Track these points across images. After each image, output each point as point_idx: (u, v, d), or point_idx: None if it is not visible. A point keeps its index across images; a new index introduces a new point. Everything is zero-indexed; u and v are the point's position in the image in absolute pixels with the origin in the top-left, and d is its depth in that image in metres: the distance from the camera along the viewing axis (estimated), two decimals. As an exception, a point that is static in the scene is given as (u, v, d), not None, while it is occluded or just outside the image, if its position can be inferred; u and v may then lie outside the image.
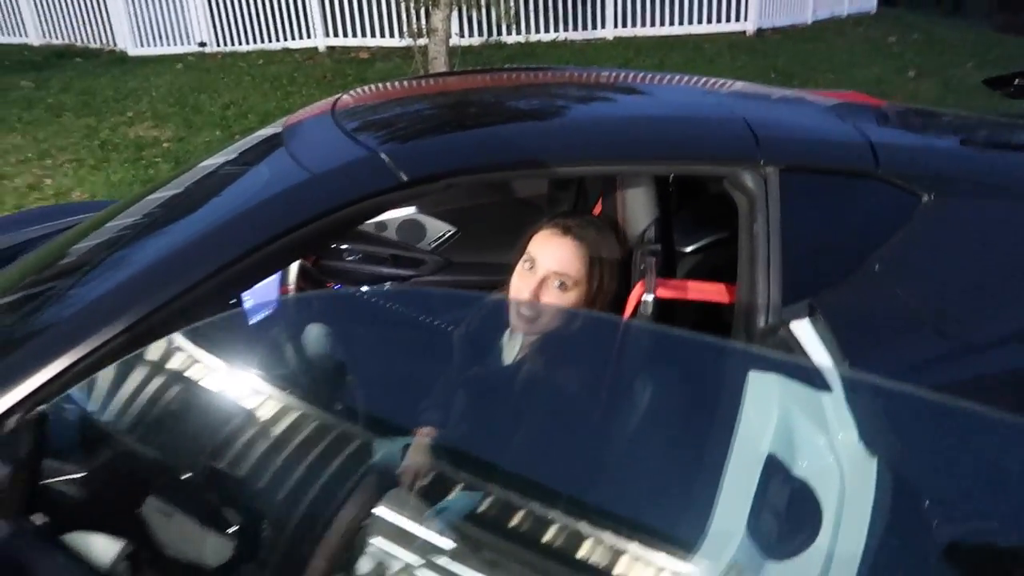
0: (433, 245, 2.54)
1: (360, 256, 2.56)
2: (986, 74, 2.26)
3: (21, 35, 9.77)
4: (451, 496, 1.36)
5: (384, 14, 8.86)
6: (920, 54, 8.50)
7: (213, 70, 8.10)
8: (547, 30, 9.07)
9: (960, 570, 1.14)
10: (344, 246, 2.54)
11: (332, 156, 1.25)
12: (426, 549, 1.15)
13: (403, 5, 8.23)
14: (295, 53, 8.85)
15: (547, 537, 1.20)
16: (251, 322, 1.56)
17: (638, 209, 1.47)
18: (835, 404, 1.18)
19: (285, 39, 9.08)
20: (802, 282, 1.23)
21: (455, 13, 8.50)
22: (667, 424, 1.36)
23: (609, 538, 1.47)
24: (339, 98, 1.62)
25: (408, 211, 2.51)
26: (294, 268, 2.19)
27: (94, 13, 9.35)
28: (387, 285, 2.53)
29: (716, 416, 1.31)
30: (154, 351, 1.07)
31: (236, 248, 1.13)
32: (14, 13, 9.67)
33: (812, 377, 1.19)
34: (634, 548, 1.45)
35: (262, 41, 9.10)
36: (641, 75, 2.05)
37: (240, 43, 9.11)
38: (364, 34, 8.98)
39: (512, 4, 8.63)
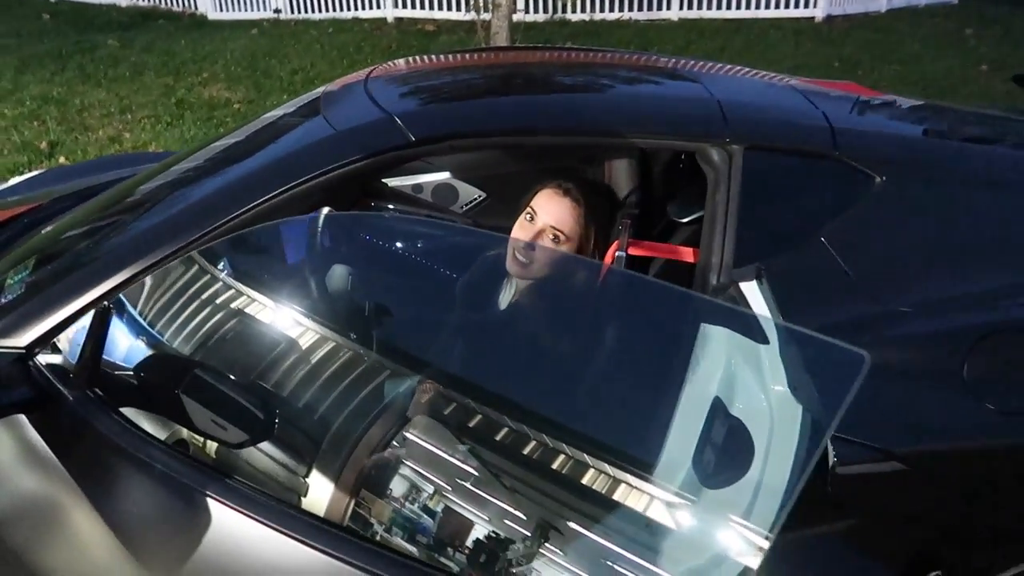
0: (464, 209, 2.75)
1: (398, 216, 2.78)
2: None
3: (111, -4, 10.30)
4: None
5: (455, -14, 9.04)
6: (996, 48, 8.25)
7: (285, 36, 8.43)
8: (611, 9, 9.11)
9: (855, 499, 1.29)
10: (385, 205, 2.77)
11: (355, 117, 1.47)
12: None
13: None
14: (365, 23, 9.12)
15: (529, 459, 1.39)
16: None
17: (621, 178, 1.64)
18: (770, 355, 1.35)
19: (356, 8, 9.35)
20: (755, 248, 1.39)
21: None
22: (632, 363, 1.53)
23: (580, 458, 1.67)
24: (374, 69, 1.84)
25: (443, 175, 2.72)
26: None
27: (178, -23, 9.80)
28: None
29: (673, 360, 1.48)
30: (194, 269, 1.31)
31: (270, 189, 1.36)
32: (105, -25, 10.19)
33: (753, 330, 1.36)
34: (601, 467, 1.64)
35: (334, 10, 9.40)
36: (639, 57, 2.20)
37: (313, 11, 9.42)
38: (432, 6, 9.18)
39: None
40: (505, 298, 1.69)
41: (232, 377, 1.12)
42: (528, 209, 1.61)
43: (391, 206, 2.75)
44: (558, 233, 1.58)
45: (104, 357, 1.24)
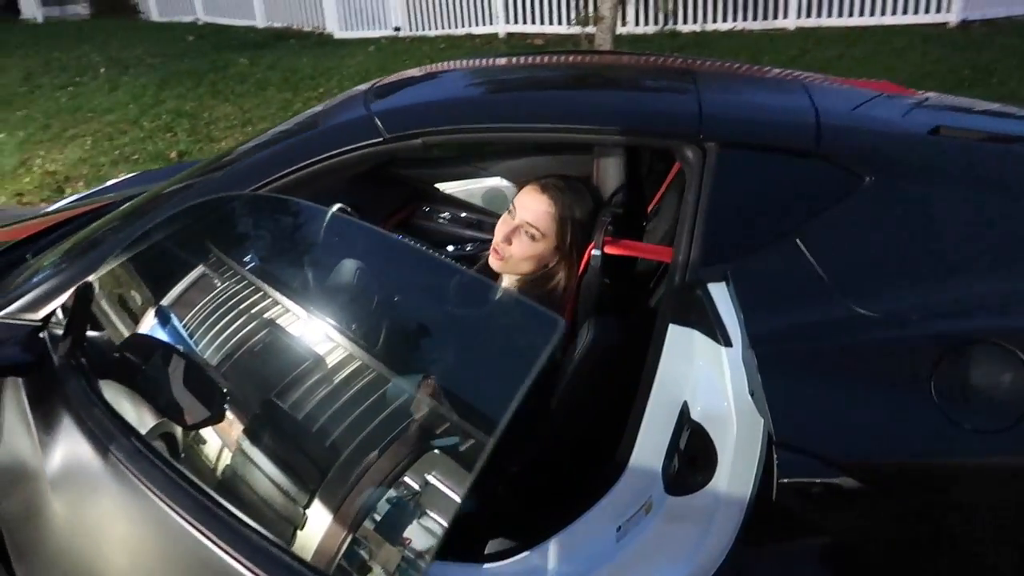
0: None
1: (449, 218, 2.86)
2: None
3: (251, 18, 11.12)
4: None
5: (563, 1, 9.13)
6: None
7: (399, 53, 8.81)
8: (724, 19, 8.91)
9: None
10: (437, 208, 2.86)
11: (345, 116, 1.55)
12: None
13: (577, -8, 8.46)
14: (476, 38, 9.38)
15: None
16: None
17: (609, 176, 1.63)
18: (733, 359, 1.30)
19: (469, 25, 9.64)
20: (724, 248, 1.35)
21: (631, 1, 8.64)
22: (602, 365, 1.52)
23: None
24: (383, 78, 1.94)
25: (494, 180, 2.77)
26: None
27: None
28: (469, 246, 2.81)
29: (642, 361, 1.46)
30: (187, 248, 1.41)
31: (271, 172, 1.48)
32: (246, -1, 11.03)
33: (718, 333, 1.32)
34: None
35: (449, 26, 9.72)
36: (630, 57, 2.17)
37: (429, 28, 9.79)
38: (542, 21, 9.32)
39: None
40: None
41: (193, 359, 1.15)
42: (512, 204, 1.64)
43: (442, 209, 2.85)
44: (533, 230, 1.59)
45: (101, 334, 1.36)
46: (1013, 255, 1.27)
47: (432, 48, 8.95)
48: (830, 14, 8.73)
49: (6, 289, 1.66)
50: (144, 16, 11.90)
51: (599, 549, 1.48)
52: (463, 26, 9.67)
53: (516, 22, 9.45)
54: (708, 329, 1.34)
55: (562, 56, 2.22)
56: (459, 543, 1.63)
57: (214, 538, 0.80)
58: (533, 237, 1.60)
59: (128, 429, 1.04)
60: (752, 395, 1.27)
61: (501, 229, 1.64)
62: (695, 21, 8.92)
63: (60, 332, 1.40)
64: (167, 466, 0.92)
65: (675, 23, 8.96)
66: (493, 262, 1.65)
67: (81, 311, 1.29)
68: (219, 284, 1.25)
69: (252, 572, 0.81)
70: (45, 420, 1.21)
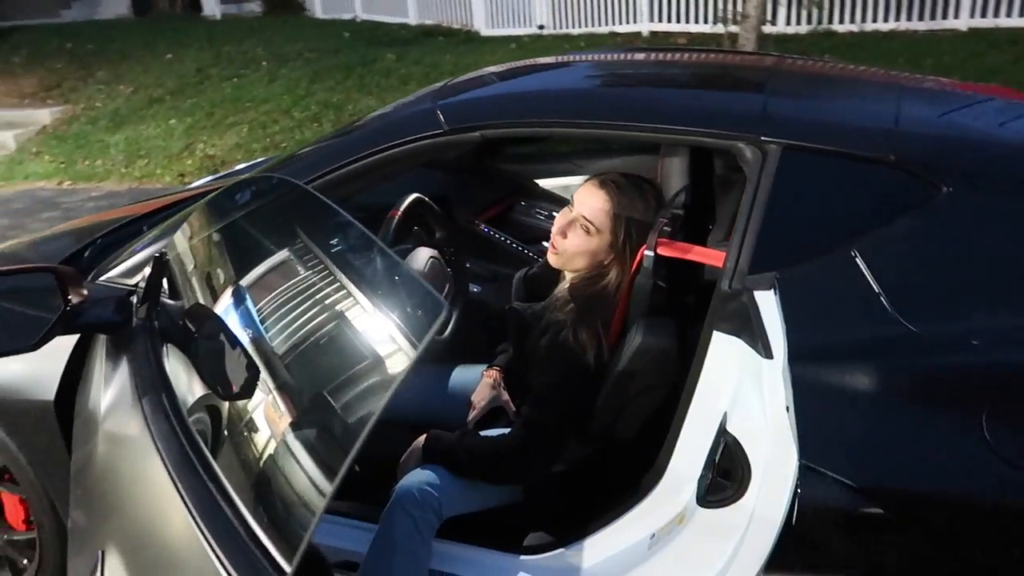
0: None
1: (546, 214, 2.88)
2: None
3: (404, 16, 11.58)
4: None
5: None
6: None
7: (538, 51, 8.88)
8: (886, 19, 8.32)
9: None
10: (535, 203, 2.89)
11: (413, 108, 1.61)
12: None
13: (723, -11, 8.18)
14: (619, 36, 9.30)
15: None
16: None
17: (672, 175, 1.59)
18: (773, 372, 1.24)
19: (613, 23, 9.56)
20: (775, 255, 1.28)
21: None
22: (650, 369, 1.48)
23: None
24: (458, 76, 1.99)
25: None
26: None
27: (460, -3, 10.76)
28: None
29: (681, 370, 1.41)
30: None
31: (342, 158, 1.57)
32: (401, -4, 11.49)
33: (760, 343, 1.26)
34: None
35: (593, 25, 9.69)
36: (712, 54, 2.08)
37: (573, 26, 9.81)
38: (687, 20, 9.10)
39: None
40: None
41: (233, 334, 1.14)
42: (572, 198, 1.63)
43: (541, 205, 2.87)
44: (588, 224, 1.57)
45: (177, 301, 1.48)
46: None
47: (572, 46, 8.96)
48: (1009, 13, 7.95)
49: (119, 256, 1.84)
50: (309, 13, 12.67)
51: (632, 555, 1.45)
52: (607, 24, 9.61)
53: (660, 20, 9.28)
54: (751, 339, 1.28)
55: (641, 53, 2.18)
56: (500, 533, 1.65)
57: (184, 493, 0.85)
58: (588, 231, 1.58)
59: (162, 387, 1.12)
60: (788, 411, 1.20)
61: (558, 222, 1.64)
62: (852, 20, 8.40)
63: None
64: (177, 423, 0.99)
65: (829, 22, 8.48)
66: (550, 256, 1.65)
67: (156, 279, 1.41)
68: (262, 264, 1.32)
69: (200, 530, 0.84)
70: (111, 374, 1.34)
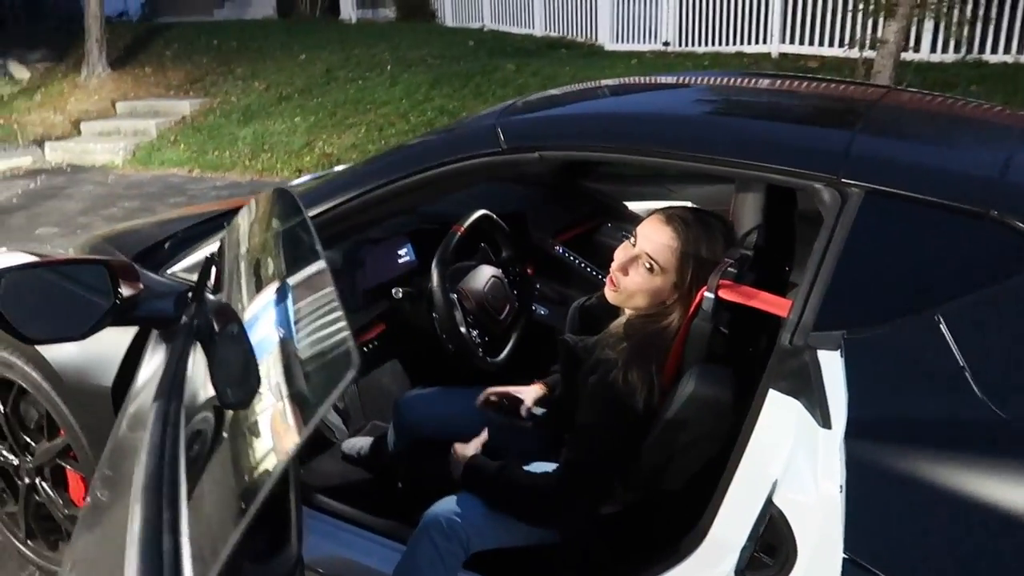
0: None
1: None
2: None
3: (530, 27, 11.66)
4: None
5: (847, 22, 8.42)
6: None
7: (658, 68, 8.70)
8: (1046, 50, 7.63)
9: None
10: (621, 225, 2.78)
11: (475, 125, 1.56)
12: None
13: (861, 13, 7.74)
14: (745, 57, 8.98)
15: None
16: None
17: (745, 212, 1.45)
18: (829, 444, 1.11)
19: (741, 43, 9.24)
20: (848, 312, 1.14)
21: (928, 25, 7.73)
22: (701, 419, 1.36)
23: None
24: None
25: (684, 204, 2.64)
26: None
27: (586, 11, 10.70)
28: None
29: (735, 425, 1.30)
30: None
31: (402, 171, 1.55)
32: (528, 8, 11.57)
33: (819, 410, 1.14)
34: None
35: (720, 44, 9.41)
36: (808, 83, 1.91)
37: (699, 44, 9.55)
38: (821, 43, 8.68)
39: (964, 14, 7.43)
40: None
41: (246, 339, 1.09)
42: (635, 231, 1.53)
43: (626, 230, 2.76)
44: (652, 262, 1.46)
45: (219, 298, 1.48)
46: None
47: (695, 65, 8.73)
48: None
49: (191, 251, 1.89)
50: (440, 21, 12.97)
51: (667, 618, 1.35)
52: (734, 44, 9.30)
53: (792, 42, 8.89)
54: (809, 403, 1.14)
55: (733, 78, 2.04)
56: (529, 573, 1.57)
57: (138, 516, 0.82)
58: (651, 270, 1.47)
59: (174, 392, 1.11)
60: (840, 491, 1.06)
61: (619, 257, 1.53)
62: (1007, 51, 7.75)
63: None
64: (169, 434, 0.97)
65: (980, 51, 7.86)
66: (608, 291, 1.55)
67: (204, 276, 1.42)
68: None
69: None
70: (149, 370, 1.35)
